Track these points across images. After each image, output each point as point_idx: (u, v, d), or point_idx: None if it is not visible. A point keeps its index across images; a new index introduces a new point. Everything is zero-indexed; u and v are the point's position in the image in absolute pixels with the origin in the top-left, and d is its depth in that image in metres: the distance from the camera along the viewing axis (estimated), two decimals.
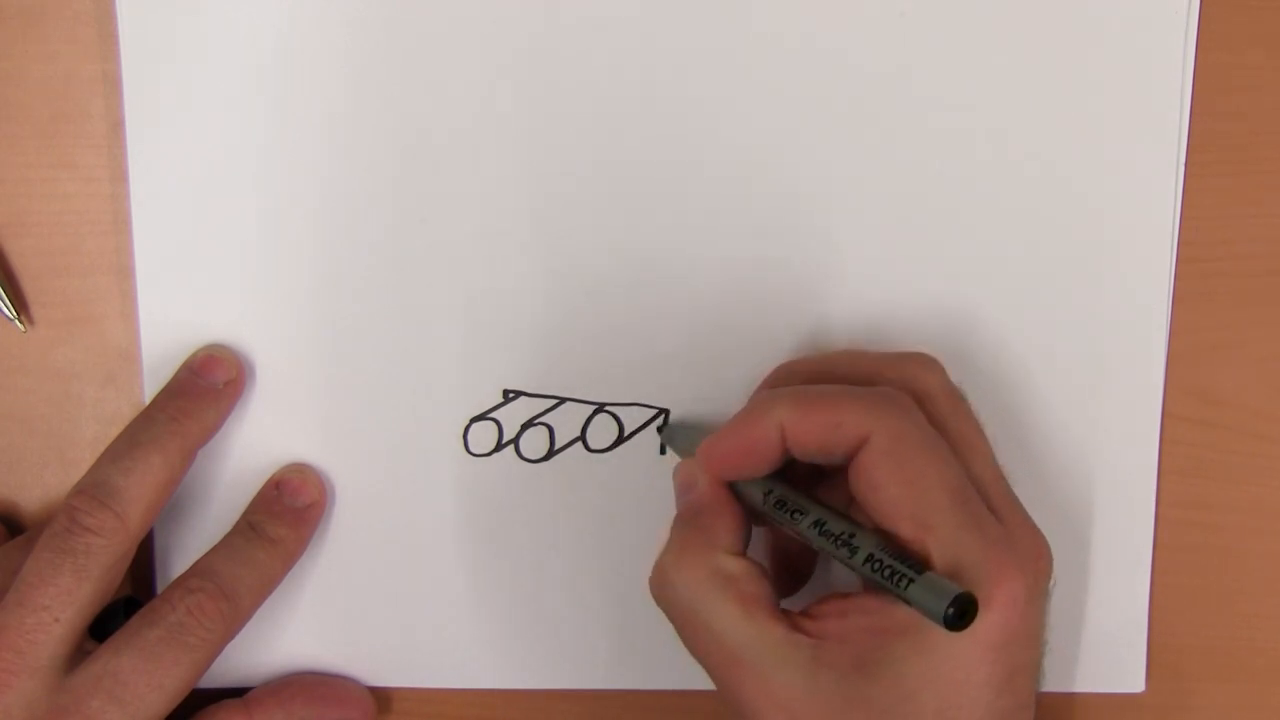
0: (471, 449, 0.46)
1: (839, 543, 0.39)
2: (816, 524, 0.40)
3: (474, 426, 0.46)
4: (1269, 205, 0.46)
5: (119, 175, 0.45)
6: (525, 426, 0.46)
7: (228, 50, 0.44)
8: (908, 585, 0.37)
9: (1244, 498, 0.47)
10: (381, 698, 0.47)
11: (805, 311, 0.46)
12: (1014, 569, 0.38)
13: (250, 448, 0.46)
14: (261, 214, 0.45)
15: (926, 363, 0.42)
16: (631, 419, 0.46)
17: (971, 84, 0.45)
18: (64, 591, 0.41)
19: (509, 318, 0.46)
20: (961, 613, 0.36)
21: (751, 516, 0.42)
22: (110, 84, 0.45)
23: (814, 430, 0.40)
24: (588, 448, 0.46)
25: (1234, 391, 0.47)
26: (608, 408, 0.46)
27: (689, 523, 0.42)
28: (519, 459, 0.46)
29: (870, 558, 0.38)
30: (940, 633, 0.37)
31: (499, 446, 0.46)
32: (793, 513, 0.40)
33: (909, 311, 0.46)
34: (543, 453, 0.46)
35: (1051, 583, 0.41)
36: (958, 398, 0.42)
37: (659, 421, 0.46)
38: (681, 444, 0.45)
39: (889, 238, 0.45)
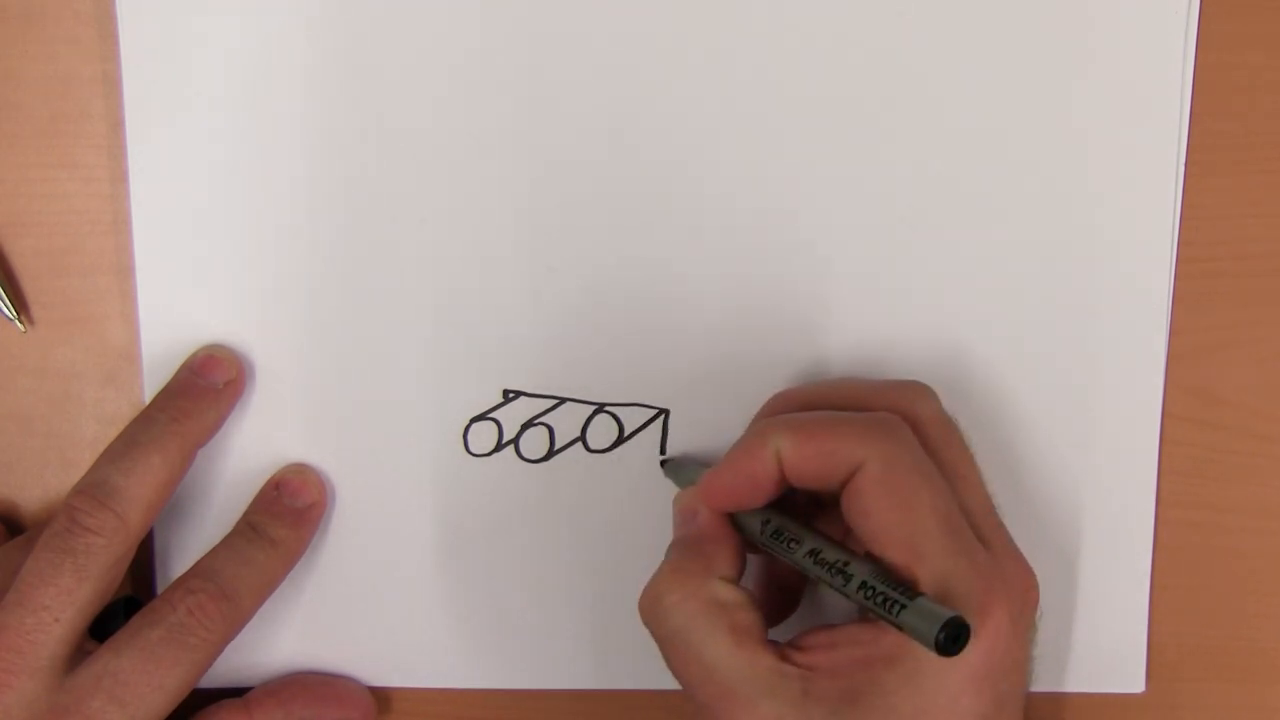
0: (471, 449, 0.46)
1: (833, 570, 0.39)
2: (812, 553, 0.40)
3: (474, 426, 0.46)
4: (1269, 205, 0.46)
5: (119, 175, 0.45)
6: (525, 426, 0.46)
7: (227, 50, 0.44)
8: (900, 611, 0.37)
9: (1244, 498, 0.47)
10: (381, 698, 0.47)
11: (806, 311, 0.46)
12: (1001, 598, 0.38)
13: (250, 448, 0.46)
14: (261, 214, 0.45)
15: (921, 390, 0.43)
16: (631, 419, 0.46)
17: (970, 84, 0.45)
18: (64, 591, 0.41)
19: (509, 318, 0.46)
20: (954, 637, 0.36)
21: (748, 547, 0.42)
22: (110, 84, 0.45)
23: (811, 458, 0.40)
24: (588, 448, 0.46)
25: (1234, 391, 0.47)
26: (608, 408, 0.46)
27: (688, 548, 0.42)
28: (519, 459, 0.46)
29: (864, 584, 0.39)
30: (928, 663, 0.38)
31: (499, 446, 0.46)
32: (789, 542, 0.41)
33: (908, 311, 0.46)
34: (543, 453, 0.46)
35: (1038, 615, 0.41)
36: (950, 426, 0.42)
37: (661, 456, 0.46)
38: (683, 477, 0.45)
39: (888, 236, 0.45)
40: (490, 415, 0.46)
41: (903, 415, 0.41)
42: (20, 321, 0.46)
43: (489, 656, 0.47)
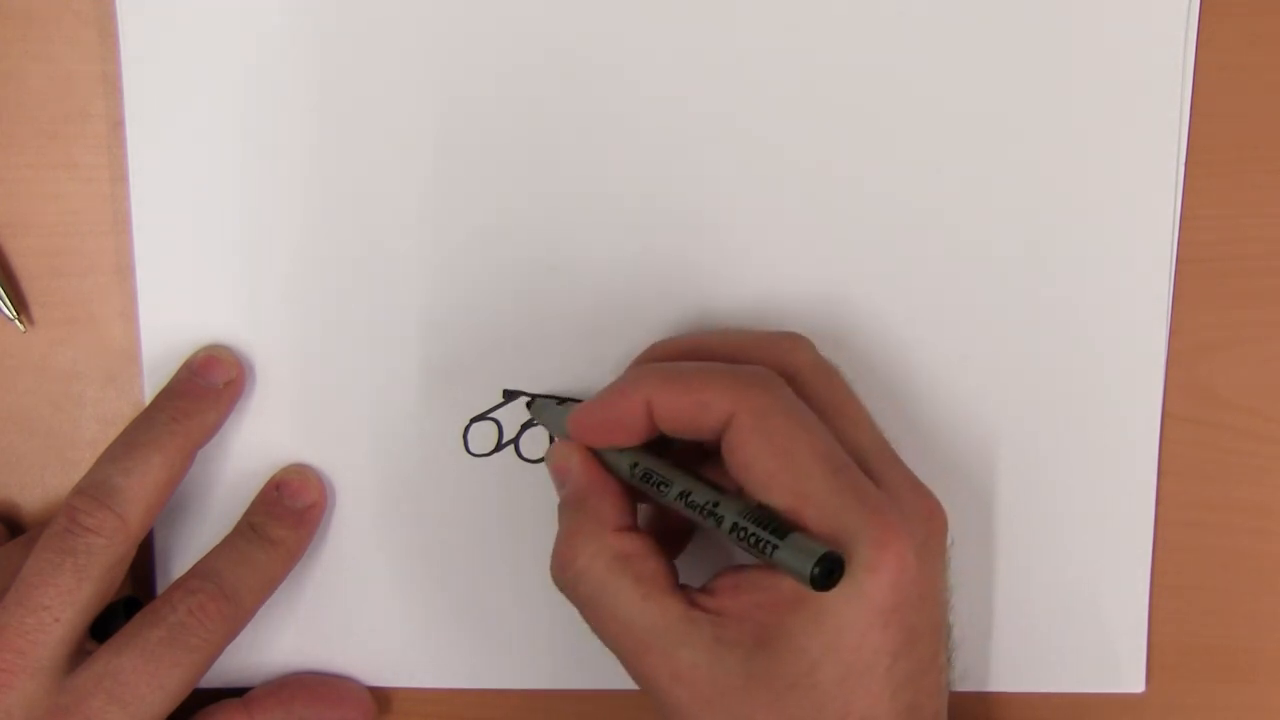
0: (471, 449, 0.46)
1: (705, 513, 0.39)
2: (682, 495, 0.40)
3: (474, 426, 0.46)
4: (1269, 205, 0.46)
5: (119, 175, 0.45)
6: (525, 426, 0.46)
7: (227, 50, 0.44)
8: (773, 551, 0.37)
9: (1244, 498, 0.47)
10: (381, 698, 0.47)
11: (811, 312, 0.46)
12: (898, 530, 0.38)
13: (250, 448, 0.46)
14: (261, 214, 0.45)
15: (795, 340, 0.43)
16: None
17: (969, 83, 0.45)
18: (64, 591, 0.41)
19: (508, 318, 0.46)
20: (829, 571, 0.36)
21: (633, 491, 0.42)
22: (110, 84, 0.45)
23: (680, 408, 0.40)
24: None
25: (1234, 391, 0.47)
26: None
27: (574, 507, 0.42)
28: (519, 459, 0.46)
29: (735, 526, 0.38)
30: (830, 603, 0.37)
31: (499, 446, 0.46)
32: (659, 485, 0.40)
33: (907, 313, 0.46)
34: (543, 453, 0.46)
35: (949, 542, 0.41)
36: (829, 371, 0.42)
37: (526, 399, 0.46)
38: (549, 418, 0.45)
39: (889, 236, 0.45)
40: (490, 415, 0.46)
41: (779, 366, 0.41)
42: (20, 321, 0.46)
43: (489, 656, 0.47)
